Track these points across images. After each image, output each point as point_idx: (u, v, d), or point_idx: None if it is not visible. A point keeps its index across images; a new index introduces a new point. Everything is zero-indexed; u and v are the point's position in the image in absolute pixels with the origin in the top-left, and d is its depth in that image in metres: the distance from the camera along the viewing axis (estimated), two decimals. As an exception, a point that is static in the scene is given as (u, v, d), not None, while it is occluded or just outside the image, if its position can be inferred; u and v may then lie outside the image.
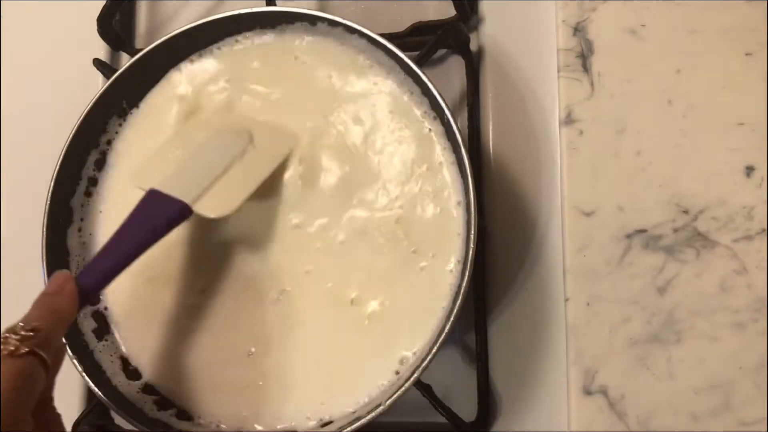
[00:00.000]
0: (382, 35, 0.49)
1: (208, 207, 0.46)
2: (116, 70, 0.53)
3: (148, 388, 0.51)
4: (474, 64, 0.58)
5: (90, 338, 0.51)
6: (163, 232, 0.46)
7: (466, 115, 0.57)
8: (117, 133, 0.55)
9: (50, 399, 0.40)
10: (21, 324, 0.37)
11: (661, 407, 0.49)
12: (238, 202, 0.47)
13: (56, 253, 0.52)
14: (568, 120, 0.54)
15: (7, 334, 0.36)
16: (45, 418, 0.39)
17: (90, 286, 0.43)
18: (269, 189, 0.50)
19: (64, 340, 0.48)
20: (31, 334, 0.37)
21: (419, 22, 0.57)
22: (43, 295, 0.41)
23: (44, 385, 0.37)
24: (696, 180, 0.51)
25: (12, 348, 0.36)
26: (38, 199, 0.51)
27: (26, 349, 0.36)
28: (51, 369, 0.38)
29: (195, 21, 0.53)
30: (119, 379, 0.51)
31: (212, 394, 0.50)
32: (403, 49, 0.48)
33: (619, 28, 0.54)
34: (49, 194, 0.51)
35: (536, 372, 0.53)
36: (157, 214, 0.45)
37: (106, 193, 0.55)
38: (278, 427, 0.48)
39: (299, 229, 0.50)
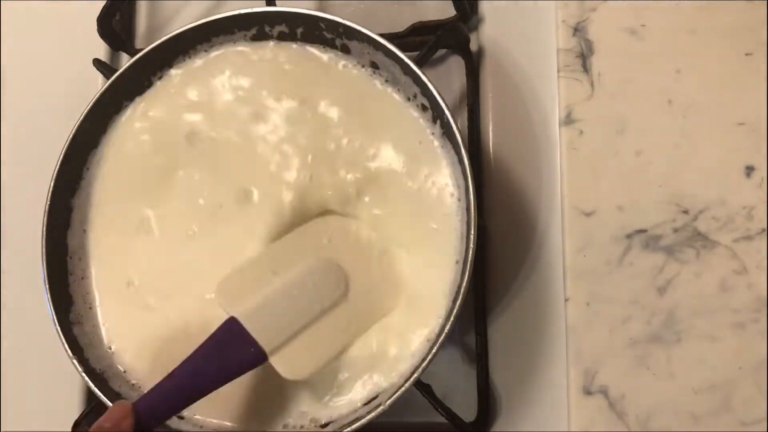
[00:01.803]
0: (382, 35, 0.49)
1: (285, 364, 0.43)
2: (116, 70, 0.53)
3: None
4: (474, 64, 0.58)
5: (90, 339, 0.51)
6: (233, 375, 0.43)
7: (466, 115, 0.57)
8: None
9: None
10: None
11: (661, 407, 0.49)
12: (317, 368, 0.44)
13: (56, 253, 0.52)
14: (568, 120, 0.54)
15: None
16: None
17: (148, 421, 0.41)
18: None
19: (69, 349, 0.49)
20: None
21: (419, 22, 0.57)
22: (99, 428, 0.39)
23: None
24: (696, 180, 0.51)
25: None
26: (38, 199, 0.51)
27: None
28: None
29: (195, 21, 0.53)
30: (119, 381, 0.51)
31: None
32: (403, 49, 0.48)
33: (619, 28, 0.54)
34: (49, 194, 0.51)
35: (536, 372, 0.53)
36: (233, 354, 0.42)
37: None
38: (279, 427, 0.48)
39: None
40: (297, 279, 0.46)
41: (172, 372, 0.43)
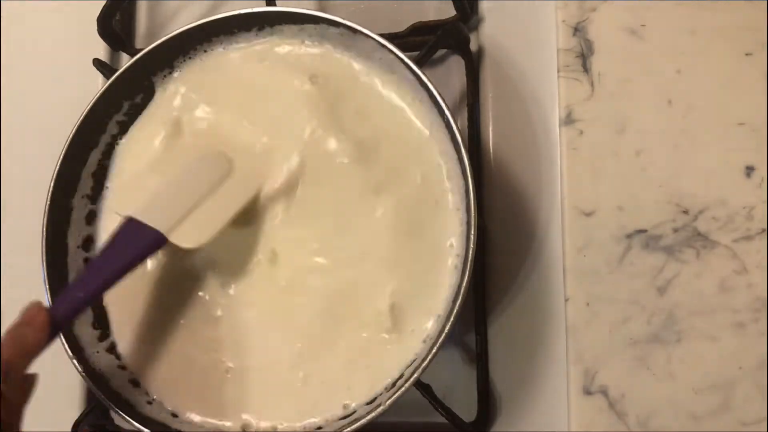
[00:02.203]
0: (382, 35, 0.49)
1: (183, 237, 0.47)
2: (116, 70, 0.53)
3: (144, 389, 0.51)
4: (474, 64, 0.58)
5: (90, 339, 0.51)
6: (138, 261, 0.46)
7: (466, 115, 0.57)
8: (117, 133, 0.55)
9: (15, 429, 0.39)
10: None
11: (661, 407, 0.49)
12: (211, 234, 0.47)
13: (56, 253, 0.52)
14: (568, 120, 0.54)
15: None
16: None
17: (63, 316, 0.44)
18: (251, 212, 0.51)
19: (69, 349, 0.49)
20: None
21: (419, 22, 0.57)
22: (14, 325, 0.41)
23: (4, 415, 0.37)
24: (696, 180, 0.51)
25: None
26: (38, 199, 0.51)
27: None
28: (14, 400, 0.38)
29: (194, 21, 0.53)
30: (118, 381, 0.51)
31: (202, 401, 0.50)
32: (403, 49, 0.48)
33: (619, 28, 0.54)
34: (49, 194, 0.51)
35: (536, 372, 0.53)
36: (133, 243, 0.46)
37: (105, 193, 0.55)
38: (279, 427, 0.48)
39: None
40: (182, 170, 0.50)
41: (81, 272, 0.46)
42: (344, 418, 0.47)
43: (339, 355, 0.48)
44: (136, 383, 0.51)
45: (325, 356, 0.48)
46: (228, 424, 0.49)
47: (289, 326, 0.49)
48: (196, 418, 0.50)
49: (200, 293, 0.51)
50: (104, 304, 0.53)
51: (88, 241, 0.54)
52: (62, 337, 0.49)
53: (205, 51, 0.54)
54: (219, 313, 0.50)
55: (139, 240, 0.46)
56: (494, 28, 0.58)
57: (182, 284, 0.51)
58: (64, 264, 0.52)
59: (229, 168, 0.51)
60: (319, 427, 0.47)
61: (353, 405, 0.47)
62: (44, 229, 0.51)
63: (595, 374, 0.50)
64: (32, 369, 0.59)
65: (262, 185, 0.50)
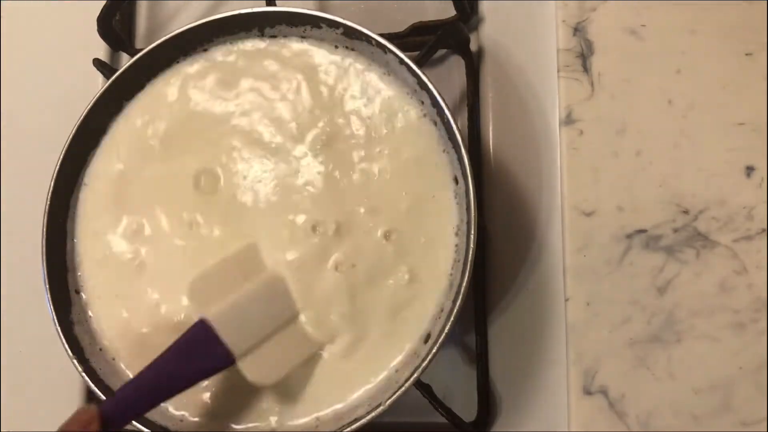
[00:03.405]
0: (382, 35, 0.49)
1: (253, 369, 0.44)
2: (116, 70, 0.53)
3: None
4: (474, 64, 0.58)
5: (90, 339, 0.51)
6: (202, 377, 0.43)
7: (466, 115, 0.57)
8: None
9: None
10: None
11: (661, 407, 0.49)
12: (282, 374, 0.45)
13: (56, 253, 0.52)
14: (568, 120, 0.54)
15: None
16: None
17: (115, 422, 0.41)
18: None
19: (69, 349, 0.49)
20: None
21: (419, 22, 0.57)
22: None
23: None
24: (696, 180, 0.51)
25: None
26: (38, 199, 0.51)
27: None
28: None
29: (195, 21, 0.52)
30: (118, 381, 0.51)
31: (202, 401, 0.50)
32: (403, 49, 0.48)
33: (619, 28, 0.54)
34: (49, 194, 0.51)
35: (536, 372, 0.53)
36: (201, 356, 0.42)
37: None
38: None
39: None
40: (266, 285, 0.47)
41: (140, 373, 0.43)
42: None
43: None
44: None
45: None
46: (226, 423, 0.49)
47: None
48: (196, 418, 0.50)
49: None
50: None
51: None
52: (62, 336, 0.49)
53: (206, 51, 0.54)
54: None
55: (209, 355, 0.42)
56: (494, 28, 0.58)
57: None
58: (64, 264, 0.52)
59: (296, 313, 0.47)
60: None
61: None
62: (44, 229, 0.51)
63: (595, 374, 0.50)
64: (32, 369, 0.60)
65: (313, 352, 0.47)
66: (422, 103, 0.50)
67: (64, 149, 0.52)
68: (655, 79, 0.53)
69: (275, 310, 0.46)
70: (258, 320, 0.45)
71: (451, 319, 0.45)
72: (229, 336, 0.43)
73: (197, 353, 0.43)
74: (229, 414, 0.48)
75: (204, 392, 0.49)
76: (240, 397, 0.48)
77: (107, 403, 0.43)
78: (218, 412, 0.49)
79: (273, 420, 0.47)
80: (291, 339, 0.46)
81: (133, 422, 0.47)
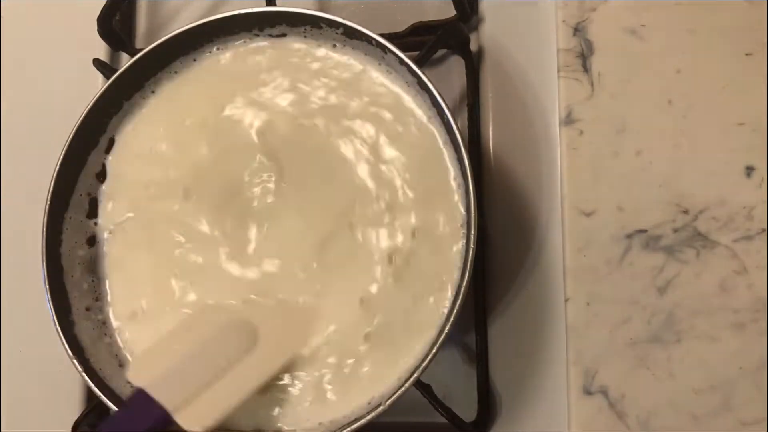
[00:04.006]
0: (382, 35, 0.49)
1: (188, 418, 0.45)
2: (116, 70, 0.53)
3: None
4: (474, 64, 0.58)
5: (90, 339, 0.51)
6: None
7: (466, 115, 0.57)
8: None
9: None
10: None
11: (661, 407, 0.49)
12: (221, 416, 0.46)
13: (56, 253, 0.52)
14: (568, 120, 0.54)
15: None
16: None
17: None
18: None
19: (69, 349, 0.49)
20: None
21: (419, 22, 0.57)
22: None
23: None
24: (696, 180, 0.51)
25: None
26: (38, 199, 0.51)
27: None
28: None
29: (195, 21, 0.52)
30: (118, 381, 0.51)
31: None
32: (403, 49, 0.48)
33: (619, 28, 0.54)
34: (49, 194, 0.51)
35: (536, 372, 0.53)
36: (140, 417, 0.45)
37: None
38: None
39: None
40: (205, 341, 0.49)
41: None
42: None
43: None
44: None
45: None
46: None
47: None
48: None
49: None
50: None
51: (90, 241, 0.54)
52: (62, 336, 0.49)
53: (205, 50, 0.54)
54: None
55: (145, 415, 0.45)
56: (494, 28, 0.58)
57: None
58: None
59: (253, 341, 0.48)
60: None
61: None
62: (44, 229, 0.51)
63: (595, 374, 0.50)
64: (32, 369, 0.60)
65: (287, 359, 0.49)
66: (422, 103, 0.50)
67: (64, 149, 0.52)
68: (655, 79, 0.53)
69: (216, 357, 0.48)
70: (196, 373, 0.47)
71: (451, 319, 0.45)
72: (165, 396, 0.46)
73: (136, 416, 0.45)
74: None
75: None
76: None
77: None
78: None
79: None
80: (239, 376, 0.47)
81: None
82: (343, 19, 0.50)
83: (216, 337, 0.49)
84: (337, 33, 0.51)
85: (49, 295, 0.50)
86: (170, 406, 0.45)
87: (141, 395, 0.46)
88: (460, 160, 0.47)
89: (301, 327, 0.49)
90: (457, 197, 0.48)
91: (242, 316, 0.50)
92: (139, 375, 0.48)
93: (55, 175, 0.51)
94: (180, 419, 0.45)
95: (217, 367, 0.47)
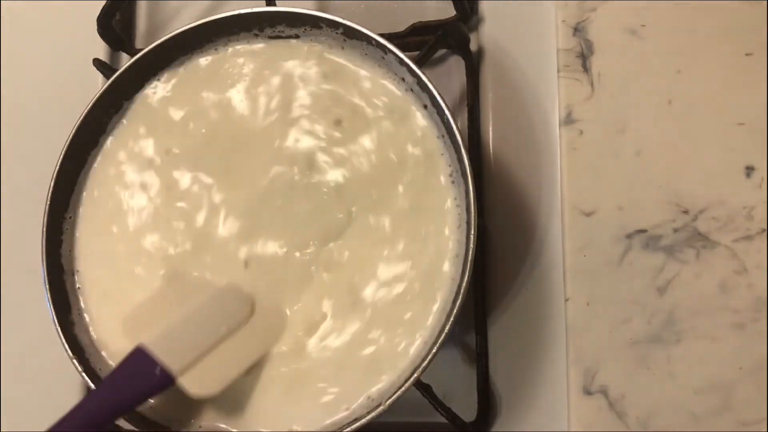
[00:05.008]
0: (382, 35, 0.49)
1: (193, 383, 0.44)
2: (116, 70, 0.53)
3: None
4: (474, 64, 0.58)
5: (90, 339, 0.51)
6: (142, 398, 0.44)
7: (466, 115, 0.57)
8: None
9: None
10: None
11: (661, 407, 0.49)
12: (223, 384, 0.45)
13: (56, 253, 0.52)
14: (568, 120, 0.54)
15: None
16: None
17: None
18: None
19: (69, 349, 0.48)
20: None
21: (419, 22, 0.57)
22: None
23: None
24: (696, 180, 0.51)
25: None
26: (38, 199, 0.51)
27: None
28: None
29: (194, 21, 0.52)
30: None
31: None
32: (403, 49, 0.48)
33: (619, 28, 0.54)
34: (49, 194, 0.51)
35: (536, 372, 0.53)
36: (140, 377, 0.43)
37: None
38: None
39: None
40: (201, 305, 0.48)
41: (80, 402, 0.43)
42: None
43: None
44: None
45: None
46: (223, 426, 0.49)
47: None
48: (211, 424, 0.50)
49: None
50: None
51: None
52: (62, 336, 0.49)
53: (205, 50, 0.54)
54: None
55: (146, 375, 0.43)
56: (494, 28, 0.58)
57: None
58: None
59: (251, 311, 0.48)
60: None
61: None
62: (44, 229, 0.51)
63: (595, 374, 0.50)
64: (33, 367, 0.60)
65: (279, 336, 0.48)
66: (425, 107, 0.50)
67: (64, 149, 0.52)
68: (655, 79, 0.53)
69: (218, 321, 0.47)
70: (196, 337, 0.46)
71: (451, 319, 0.45)
72: (166, 356, 0.44)
73: (136, 376, 0.43)
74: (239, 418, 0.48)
75: (214, 400, 0.49)
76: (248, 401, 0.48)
77: (53, 427, 0.43)
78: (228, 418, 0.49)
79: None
80: (238, 345, 0.46)
81: (134, 423, 0.47)
82: (343, 19, 0.50)
83: (212, 302, 0.48)
84: (336, 33, 0.51)
85: (49, 295, 0.50)
86: (174, 367, 0.43)
87: (141, 353, 0.44)
88: (460, 160, 0.47)
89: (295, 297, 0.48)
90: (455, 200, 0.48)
91: (237, 285, 0.49)
92: (137, 330, 0.46)
93: (55, 175, 0.51)
94: (184, 383, 0.44)
95: (216, 333, 0.46)
